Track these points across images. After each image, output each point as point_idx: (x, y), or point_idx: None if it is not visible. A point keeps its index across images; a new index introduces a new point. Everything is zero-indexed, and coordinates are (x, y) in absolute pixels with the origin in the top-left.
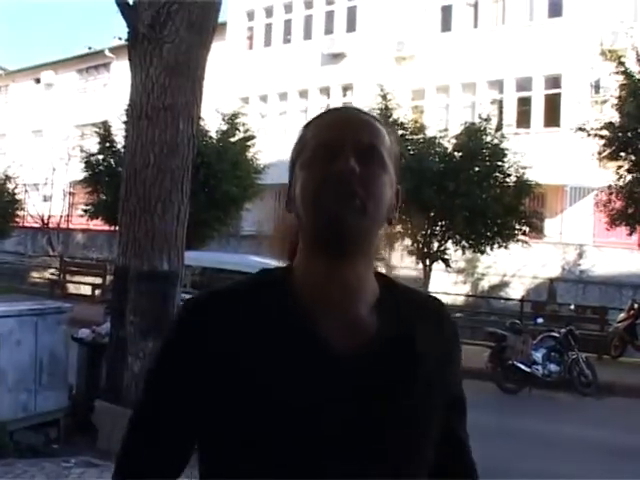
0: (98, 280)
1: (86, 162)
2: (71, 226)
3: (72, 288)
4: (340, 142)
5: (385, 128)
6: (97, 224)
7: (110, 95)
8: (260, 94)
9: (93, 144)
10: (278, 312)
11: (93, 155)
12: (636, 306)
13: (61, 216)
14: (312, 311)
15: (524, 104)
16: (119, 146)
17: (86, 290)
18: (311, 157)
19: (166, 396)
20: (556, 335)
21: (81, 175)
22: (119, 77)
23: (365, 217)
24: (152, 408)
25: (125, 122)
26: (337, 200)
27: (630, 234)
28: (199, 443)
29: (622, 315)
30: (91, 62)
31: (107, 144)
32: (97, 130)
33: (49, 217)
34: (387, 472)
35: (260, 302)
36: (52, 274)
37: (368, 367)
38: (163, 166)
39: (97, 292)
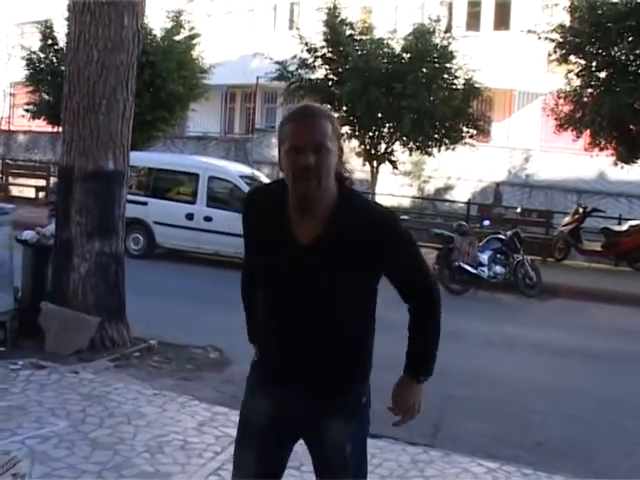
0: (42, 182)
1: (27, 60)
2: (12, 128)
3: (15, 191)
4: (303, 145)
5: (330, 119)
6: (40, 125)
7: None
8: None
9: (34, 43)
10: (281, 212)
11: (34, 53)
12: (581, 210)
13: (2, 117)
14: (293, 218)
15: (474, 6)
16: (62, 44)
17: (29, 193)
18: (287, 151)
19: (246, 243)
20: (502, 237)
21: (22, 75)
22: None
23: (320, 186)
24: (245, 253)
25: (67, 18)
26: (303, 181)
27: (577, 138)
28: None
29: (567, 219)
30: None
31: (49, 42)
32: (38, 27)
33: None
34: (313, 295)
35: (275, 200)
36: None
37: (313, 248)
38: (107, 62)
39: (41, 195)
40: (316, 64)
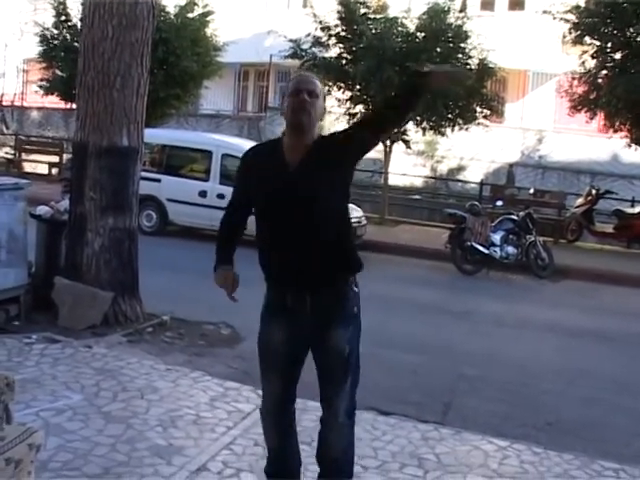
0: (55, 159)
1: (41, 37)
2: (26, 104)
3: (28, 167)
4: (300, 89)
5: (319, 83)
6: (53, 102)
7: None
8: None
9: (47, 19)
10: (275, 152)
11: (48, 29)
12: (594, 192)
13: (15, 94)
14: (286, 152)
15: None
16: (75, 20)
17: (43, 169)
18: (290, 94)
19: (237, 186)
20: (515, 218)
21: (35, 52)
22: None
23: (310, 118)
24: (234, 193)
25: None
26: (300, 112)
27: (591, 120)
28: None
29: (580, 200)
30: None
31: (62, 18)
32: (51, 3)
33: (2, 95)
34: (300, 208)
35: (270, 148)
36: (7, 153)
37: (296, 167)
38: (122, 39)
39: (54, 171)
40: (330, 42)
